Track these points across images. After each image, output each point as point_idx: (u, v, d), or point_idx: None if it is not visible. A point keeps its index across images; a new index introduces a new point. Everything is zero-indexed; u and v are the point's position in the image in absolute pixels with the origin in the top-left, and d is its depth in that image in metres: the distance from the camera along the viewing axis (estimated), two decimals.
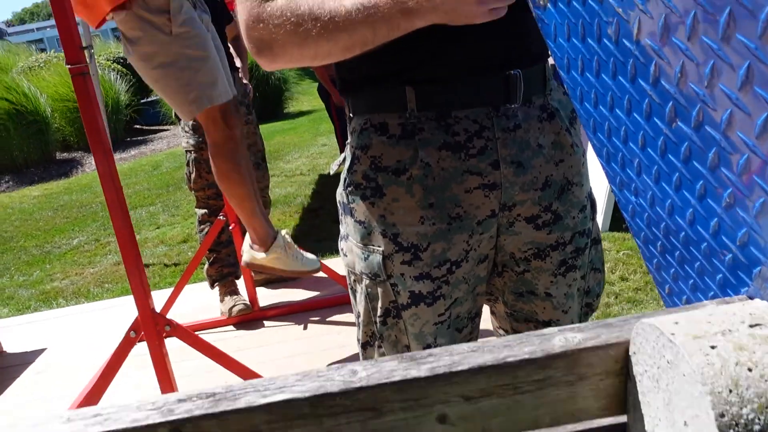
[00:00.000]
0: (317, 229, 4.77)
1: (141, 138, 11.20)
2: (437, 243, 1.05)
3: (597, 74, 0.66)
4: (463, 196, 1.04)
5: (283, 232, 2.50)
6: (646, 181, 0.65)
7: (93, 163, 8.75)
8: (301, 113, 11.71)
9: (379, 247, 1.07)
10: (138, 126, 11.99)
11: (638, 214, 0.70)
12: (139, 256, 1.90)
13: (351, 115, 1.12)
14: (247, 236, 2.49)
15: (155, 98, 11.98)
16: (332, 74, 4.89)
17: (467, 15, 0.88)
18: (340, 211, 1.15)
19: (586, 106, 0.73)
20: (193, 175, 3.10)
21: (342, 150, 6.32)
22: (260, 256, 2.45)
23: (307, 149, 8.22)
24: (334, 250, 3.97)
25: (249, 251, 2.48)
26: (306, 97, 13.20)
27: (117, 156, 9.60)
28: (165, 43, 2.14)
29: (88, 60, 1.79)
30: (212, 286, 3.26)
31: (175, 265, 4.50)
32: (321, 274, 2.74)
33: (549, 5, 0.69)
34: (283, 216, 5.26)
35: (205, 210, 3.19)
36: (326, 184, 6.29)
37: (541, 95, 1.08)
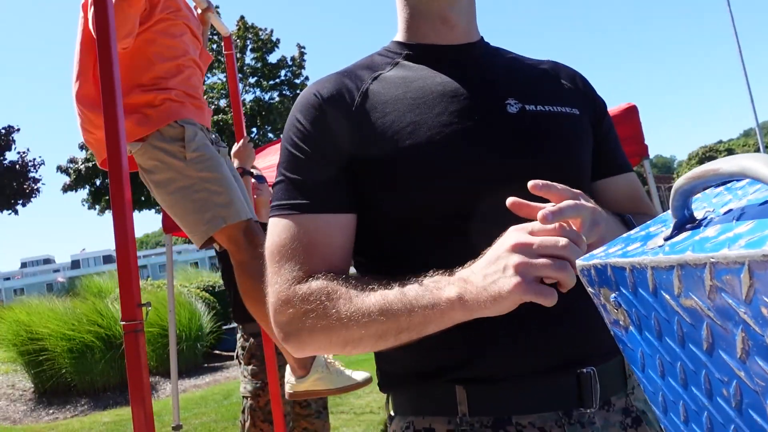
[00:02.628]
0: None
1: (218, 364, 11.23)
2: None
3: (709, 429, 0.47)
4: None
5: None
6: None
7: (167, 389, 8.74)
8: None
9: None
10: (217, 352, 12.11)
11: None
12: None
13: (392, 414, 0.94)
14: (287, 369, 2.35)
15: (236, 326, 12.21)
16: None
17: (508, 285, 0.72)
18: None
19: None
20: (247, 424, 2.92)
21: None
22: (302, 383, 2.27)
23: None
24: None
25: (289, 382, 2.32)
26: None
27: (191, 383, 9.58)
28: (180, 168, 2.20)
29: (144, 317, 1.75)
30: None
31: None
32: None
33: (632, 329, 0.52)
34: None
35: None
36: None
37: (623, 395, 0.89)
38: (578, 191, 0.79)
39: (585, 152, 0.99)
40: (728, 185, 0.53)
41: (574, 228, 0.74)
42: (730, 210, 0.41)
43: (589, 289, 0.57)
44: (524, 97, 0.96)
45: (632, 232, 0.57)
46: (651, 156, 4.94)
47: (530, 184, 0.76)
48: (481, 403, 0.85)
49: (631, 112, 4.07)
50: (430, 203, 0.89)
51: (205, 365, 11.03)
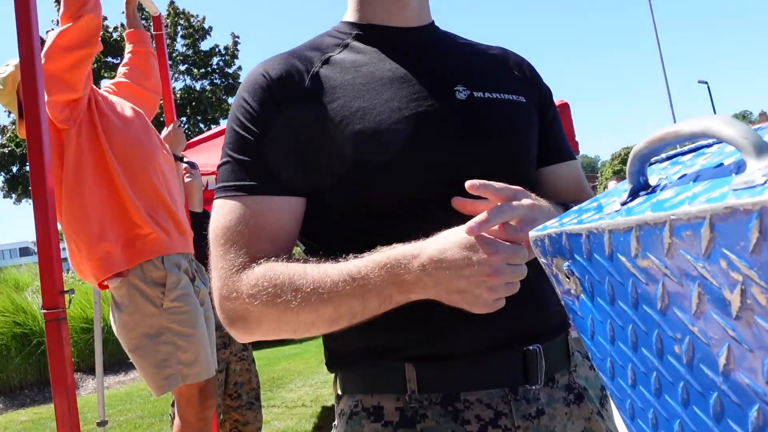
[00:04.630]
0: None
1: None
2: None
3: (657, 393, 0.48)
4: None
5: None
6: None
7: (89, 386, 8.42)
8: (311, 337, 11.50)
9: None
10: None
11: None
12: None
13: (339, 393, 0.94)
14: None
15: None
16: None
17: (473, 302, 0.76)
18: None
19: (639, 424, 0.55)
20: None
21: None
22: None
23: (311, 377, 7.89)
24: None
25: None
26: None
27: (115, 379, 9.28)
28: (152, 315, 2.09)
29: (67, 304, 1.66)
30: None
31: None
32: None
33: (583, 297, 0.53)
34: None
35: None
36: (329, 417, 5.89)
37: (566, 372, 0.92)
38: (518, 188, 0.79)
39: (531, 140, 1.01)
40: (673, 159, 0.55)
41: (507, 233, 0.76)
42: (684, 175, 0.42)
43: (542, 260, 0.58)
44: (473, 84, 0.97)
45: (583, 204, 0.59)
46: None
47: (467, 184, 0.76)
48: (430, 381, 0.86)
49: (564, 110, 4.20)
50: (378, 189, 0.89)
51: (129, 361, 10.69)
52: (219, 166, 0.94)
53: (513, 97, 1.00)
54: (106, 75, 16.35)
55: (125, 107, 2.33)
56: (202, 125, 18.64)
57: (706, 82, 29.91)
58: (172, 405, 2.92)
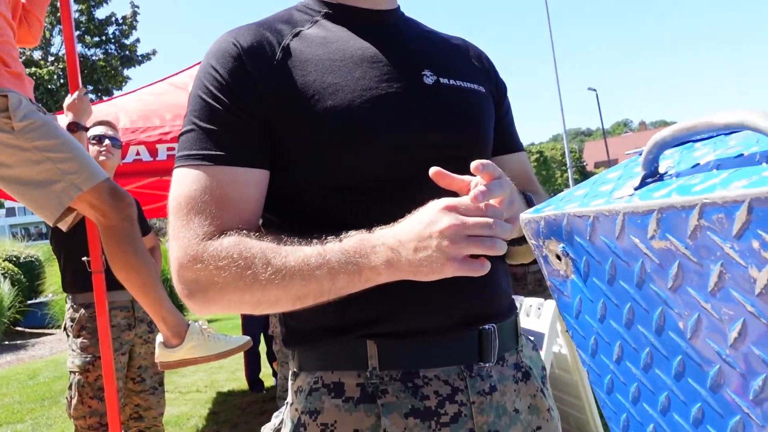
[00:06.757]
0: None
1: (21, 342, 10.23)
2: None
3: (647, 368, 0.52)
4: None
5: (199, 321, 2.22)
6: None
7: None
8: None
9: None
10: (19, 329, 11.01)
11: None
12: None
13: (296, 370, 0.93)
14: (158, 336, 2.19)
15: (44, 300, 11.22)
16: None
17: (438, 258, 0.77)
18: None
19: (616, 398, 0.58)
20: (74, 401, 2.70)
21: (249, 366, 5.93)
22: (177, 352, 2.15)
23: (205, 363, 7.68)
24: None
25: (163, 351, 2.16)
26: None
27: None
28: (9, 141, 1.90)
29: None
30: None
31: None
32: None
33: (574, 277, 0.56)
34: None
35: None
36: (224, 403, 5.77)
37: (514, 351, 0.97)
38: (500, 170, 0.83)
39: (490, 129, 1.05)
40: (666, 154, 0.58)
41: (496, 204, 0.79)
42: (698, 164, 0.46)
43: (532, 241, 0.61)
44: (439, 70, 0.99)
45: (569, 191, 0.62)
46: None
47: (473, 165, 0.78)
48: (391, 357, 0.87)
49: None
50: (349, 166, 0.90)
51: (5, 343, 9.98)
52: (181, 134, 0.91)
53: (474, 86, 1.03)
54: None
55: None
56: (93, 95, 17.60)
57: (595, 90, 31.73)
58: (69, 388, 2.76)
